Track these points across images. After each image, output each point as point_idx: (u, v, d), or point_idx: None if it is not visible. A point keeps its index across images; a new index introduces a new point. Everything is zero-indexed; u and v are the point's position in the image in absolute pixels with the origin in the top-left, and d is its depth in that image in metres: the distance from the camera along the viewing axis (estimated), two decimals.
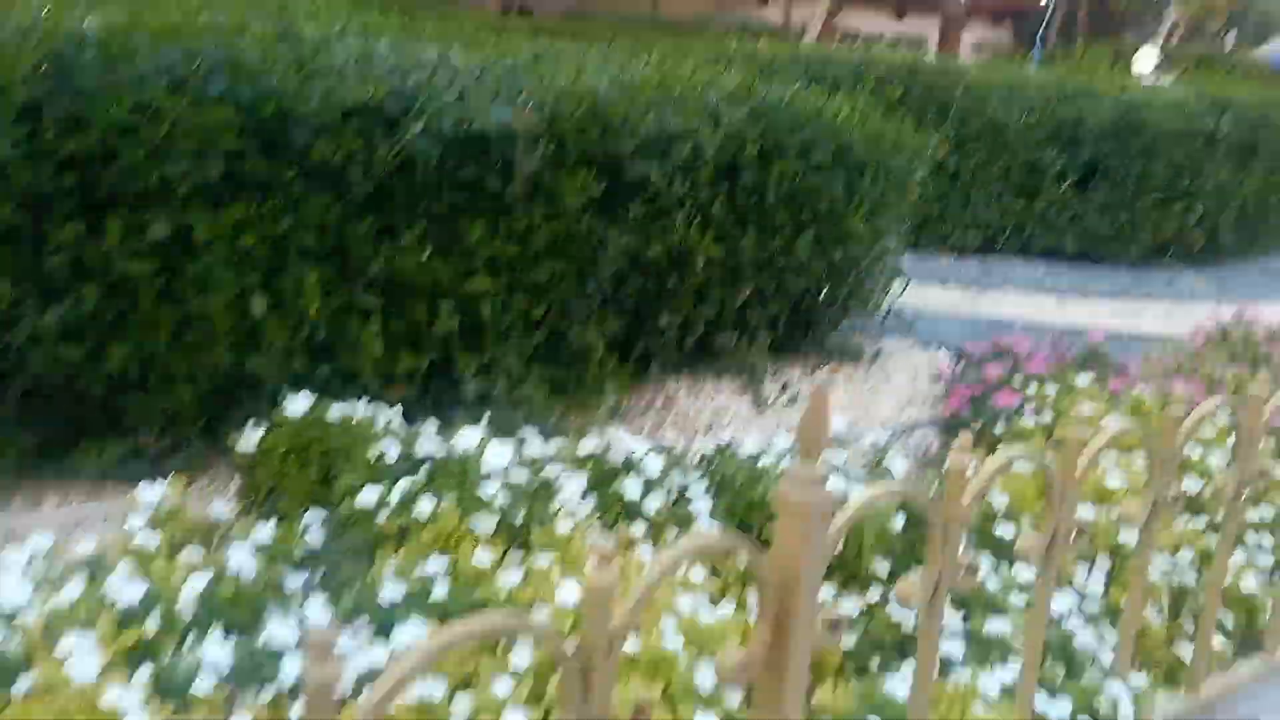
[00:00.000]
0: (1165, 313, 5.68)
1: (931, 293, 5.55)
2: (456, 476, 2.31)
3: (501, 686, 1.53)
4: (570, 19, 23.74)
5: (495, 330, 2.97)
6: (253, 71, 2.43)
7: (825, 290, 3.93)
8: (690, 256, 3.37)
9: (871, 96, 5.97)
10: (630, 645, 1.63)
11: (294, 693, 1.49)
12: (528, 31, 14.31)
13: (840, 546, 1.63)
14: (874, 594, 2.06)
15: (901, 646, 1.93)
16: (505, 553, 1.99)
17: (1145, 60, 18.10)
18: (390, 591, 1.72)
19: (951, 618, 1.96)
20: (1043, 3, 27.33)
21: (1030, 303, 5.60)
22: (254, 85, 2.42)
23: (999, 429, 3.58)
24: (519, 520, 2.07)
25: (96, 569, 1.69)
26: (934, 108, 6.07)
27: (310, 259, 2.62)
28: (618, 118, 3.07)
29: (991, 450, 3.46)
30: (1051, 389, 3.65)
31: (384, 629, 1.66)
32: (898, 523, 2.19)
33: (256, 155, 2.46)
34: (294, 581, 1.84)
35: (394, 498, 2.07)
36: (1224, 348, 4.42)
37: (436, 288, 2.83)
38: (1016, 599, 2.09)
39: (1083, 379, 3.74)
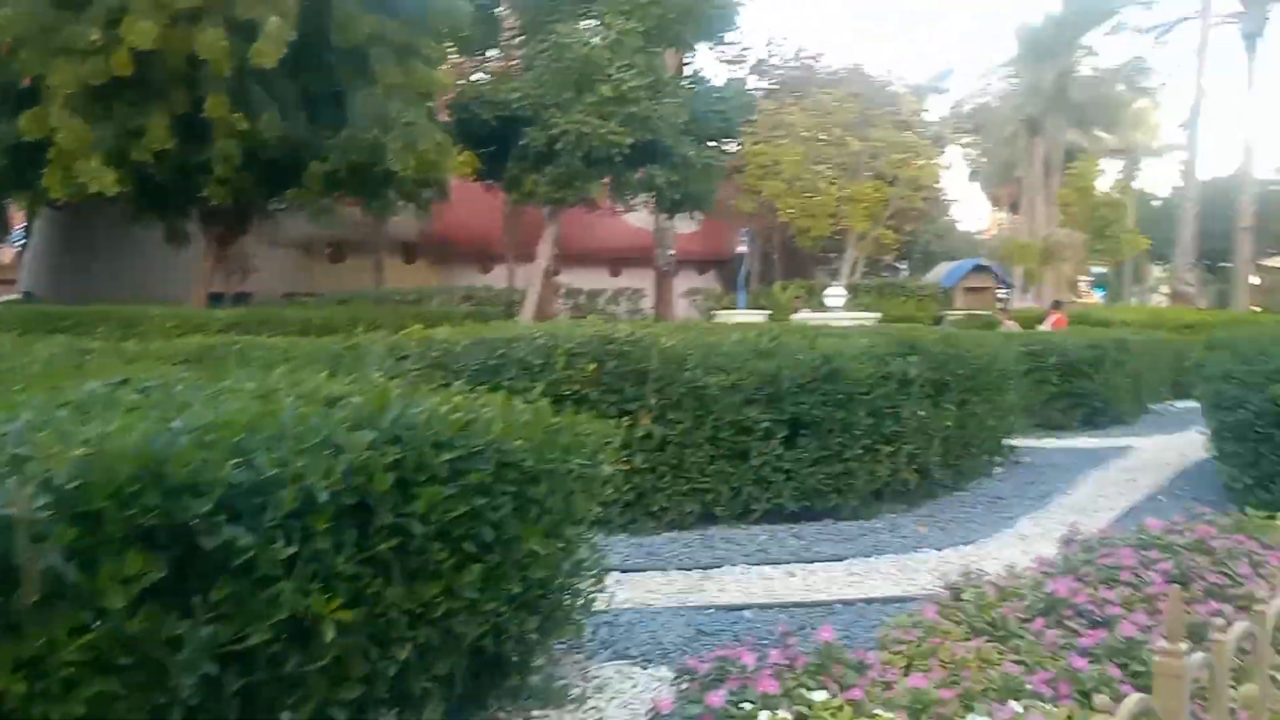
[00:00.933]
0: (894, 567, 5.39)
1: (652, 583, 4.99)
2: None
3: None
4: (290, 302, 23.18)
5: None
6: None
7: (509, 628, 3.25)
8: (315, 629, 2.61)
9: (564, 373, 5.61)
10: None
11: None
12: (218, 329, 13.48)
13: None
14: None
15: None
16: None
17: (834, 296, 19.60)
18: None
19: None
20: (739, 250, 29.63)
21: (757, 578, 5.15)
22: None
23: None
24: None
25: None
26: (632, 378, 5.75)
27: None
28: (183, 472, 2.35)
29: None
30: (786, 714, 3.10)
31: None
32: None
33: None
34: None
35: None
36: (959, 614, 4.09)
37: None
38: None
39: (819, 693, 3.23)
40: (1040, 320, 20.82)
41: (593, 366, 5.68)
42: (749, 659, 3.49)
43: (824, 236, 31.16)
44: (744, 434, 5.95)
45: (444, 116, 20.77)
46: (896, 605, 4.62)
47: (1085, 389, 10.34)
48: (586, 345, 5.73)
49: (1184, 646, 2.31)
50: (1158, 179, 54.47)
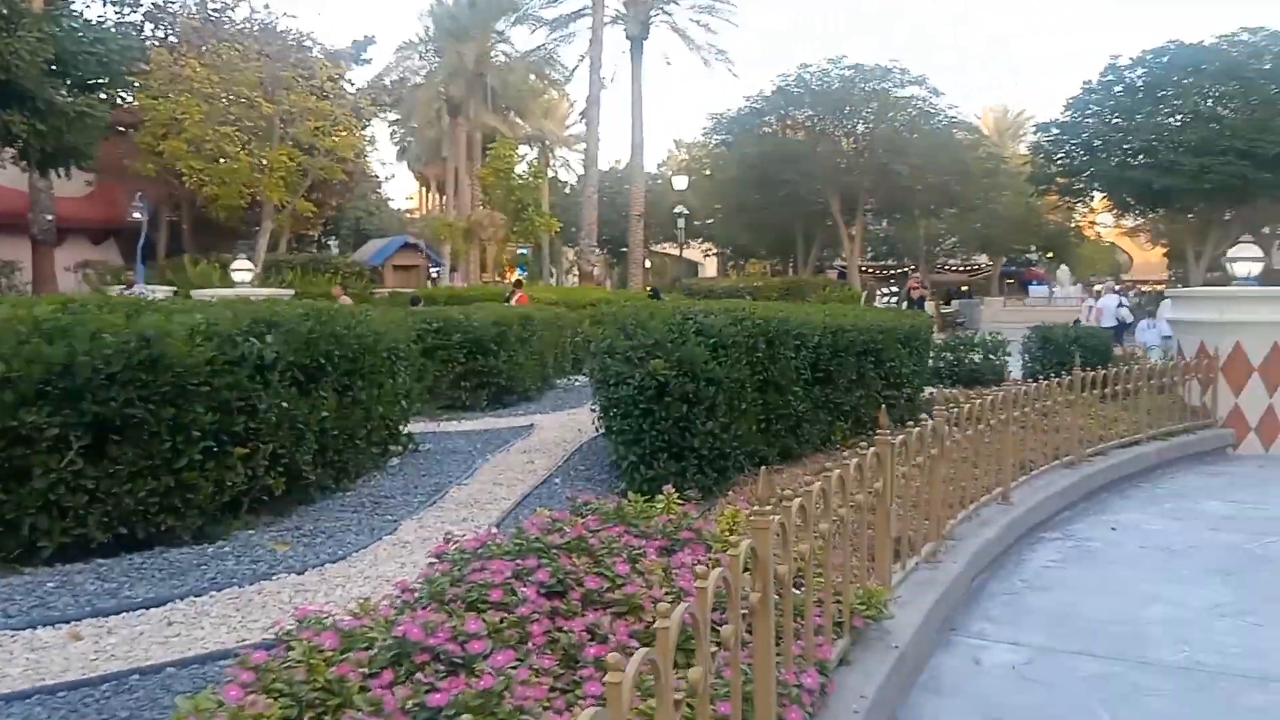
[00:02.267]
0: (234, 605, 4.18)
1: None
2: None
3: None
4: None
5: None
6: None
7: None
8: None
9: None
10: None
11: None
12: None
13: None
14: None
15: None
16: None
17: (241, 271, 17.68)
18: None
19: None
20: (135, 216, 25.92)
21: (22, 650, 3.63)
22: None
23: None
24: None
25: None
26: None
27: None
28: None
29: None
30: None
31: None
32: None
33: None
34: None
35: None
36: (284, 681, 3.03)
37: None
38: None
39: None
40: (508, 298, 20.80)
41: None
42: None
43: (239, 207, 28.51)
44: (21, 445, 4.31)
45: None
46: (223, 663, 3.46)
47: (491, 367, 9.94)
48: None
49: None
50: (572, 166, 59.10)
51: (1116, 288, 24.54)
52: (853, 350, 8.33)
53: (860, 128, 44.51)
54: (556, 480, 6.73)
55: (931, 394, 10.92)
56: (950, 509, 6.14)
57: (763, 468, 3.36)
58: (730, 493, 6.43)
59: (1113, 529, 7.40)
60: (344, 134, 27.25)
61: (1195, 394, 10.76)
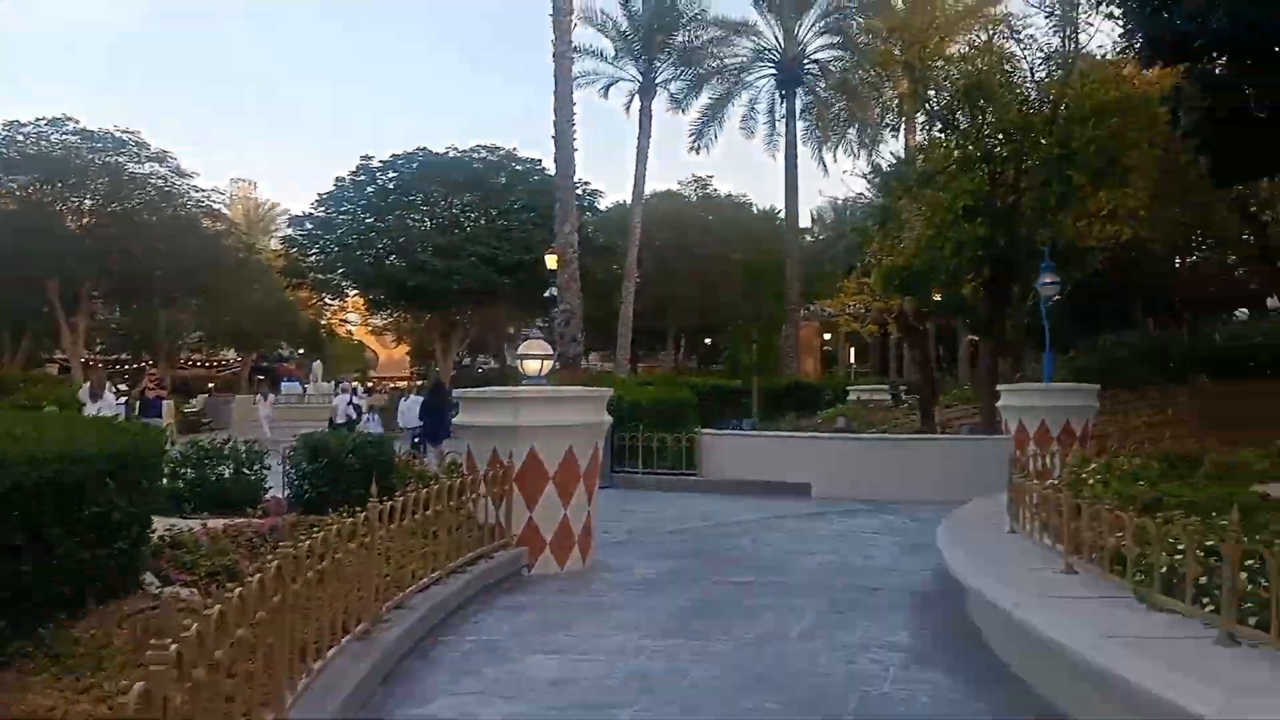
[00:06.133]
0: None
1: None
2: None
3: None
4: None
5: None
6: None
7: None
8: None
9: None
10: None
11: None
12: None
13: None
14: None
15: None
16: None
17: None
18: None
19: None
20: None
21: None
22: None
23: None
24: None
25: None
26: None
27: None
28: None
29: None
30: None
31: None
32: None
33: None
34: None
35: None
36: None
37: None
38: None
39: None
40: None
41: None
42: None
43: None
44: None
45: None
46: None
47: None
48: None
49: None
50: None
51: (347, 386, 26.32)
52: (17, 497, 4.90)
53: (89, 203, 38.46)
54: None
55: (166, 531, 7.63)
56: None
57: None
58: None
59: None
60: None
61: (491, 511, 9.18)
